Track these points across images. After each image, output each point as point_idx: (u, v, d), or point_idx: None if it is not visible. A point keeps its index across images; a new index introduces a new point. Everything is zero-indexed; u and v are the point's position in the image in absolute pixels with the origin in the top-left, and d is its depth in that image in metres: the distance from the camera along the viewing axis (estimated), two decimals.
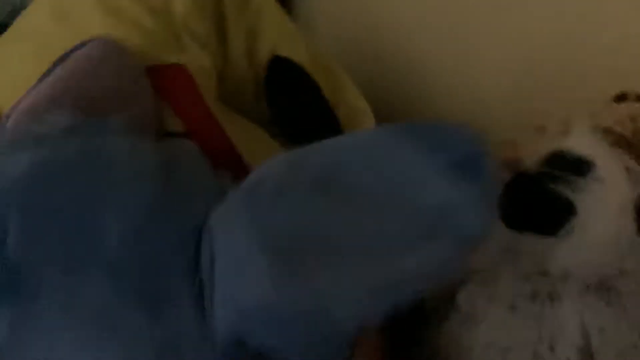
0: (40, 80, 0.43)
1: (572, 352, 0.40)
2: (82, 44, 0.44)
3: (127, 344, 0.34)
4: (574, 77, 0.64)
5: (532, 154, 0.41)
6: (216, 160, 0.46)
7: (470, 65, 0.73)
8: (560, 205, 0.40)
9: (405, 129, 0.38)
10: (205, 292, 0.35)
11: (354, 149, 0.38)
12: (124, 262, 0.34)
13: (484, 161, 0.36)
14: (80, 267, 0.34)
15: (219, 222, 0.36)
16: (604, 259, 0.40)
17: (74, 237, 0.34)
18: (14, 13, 0.57)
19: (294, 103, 0.63)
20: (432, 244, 0.35)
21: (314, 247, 0.34)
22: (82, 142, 0.38)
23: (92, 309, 0.34)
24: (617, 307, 0.40)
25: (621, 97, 0.54)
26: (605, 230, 0.40)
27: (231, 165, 0.51)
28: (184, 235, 0.36)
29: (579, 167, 0.40)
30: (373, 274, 0.34)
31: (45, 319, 0.34)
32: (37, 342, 0.34)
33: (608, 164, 0.40)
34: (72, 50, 0.44)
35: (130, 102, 0.45)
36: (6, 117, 0.43)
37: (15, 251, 0.34)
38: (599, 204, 0.40)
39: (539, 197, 0.40)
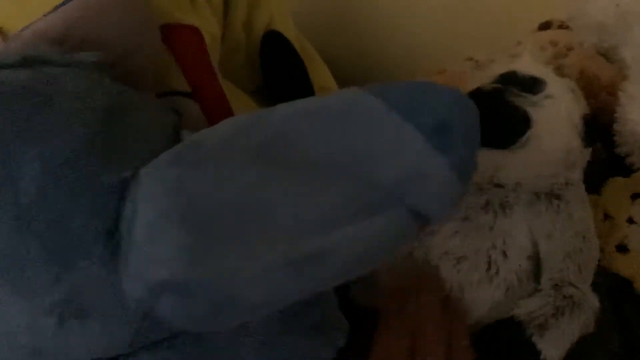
0: (54, 9, 0.43)
1: (522, 258, 0.42)
2: None
3: (27, 296, 0.33)
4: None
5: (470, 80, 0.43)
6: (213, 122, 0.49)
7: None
8: (517, 118, 0.41)
9: (379, 90, 0.35)
10: (121, 251, 0.33)
11: (316, 113, 0.35)
12: (35, 209, 0.33)
13: (464, 129, 0.33)
14: None
15: (146, 177, 0.34)
16: (554, 170, 0.42)
17: None
18: None
19: (284, 75, 0.66)
20: (376, 218, 0.32)
21: (234, 222, 0.32)
22: (36, 72, 0.37)
23: None
24: (564, 214, 0.42)
25: (545, 26, 0.57)
26: (556, 143, 0.42)
27: None
28: (107, 185, 0.34)
29: (532, 85, 0.42)
30: (292, 251, 0.32)
31: None
32: None
33: (557, 83, 0.42)
34: None
35: (132, 53, 0.45)
36: (11, 40, 0.44)
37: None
38: (552, 119, 0.42)
39: (496, 110, 0.41)
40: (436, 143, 0.33)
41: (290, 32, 0.68)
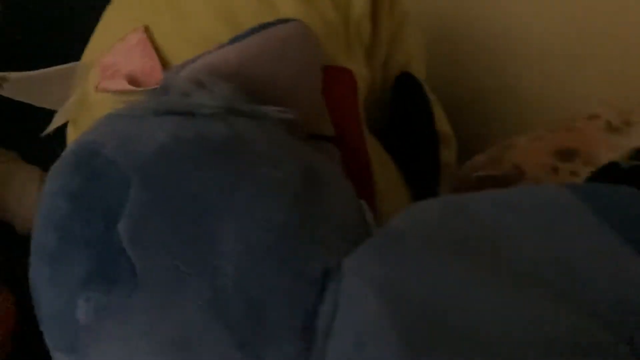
0: (224, 44, 0.41)
1: None
2: (279, 22, 0.42)
3: None
4: None
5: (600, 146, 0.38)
6: (351, 179, 0.47)
7: None
8: None
9: (590, 196, 0.31)
10: (315, 349, 0.30)
11: (522, 211, 0.31)
12: (231, 294, 0.29)
13: None
14: (187, 279, 0.29)
15: (350, 273, 0.30)
16: None
17: (190, 242, 0.30)
18: None
19: (412, 119, 0.62)
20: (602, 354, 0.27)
21: (444, 330, 0.28)
22: (230, 126, 0.34)
23: (182, 330, 0.29)
24: None
25: None
26: None
27: (364, 187, 0.51)
28: (309, 274, 0.30)
29: None
30: None
31: (134, 319, 0.29)
32: (116, 341, 0.30)
33: None
34: (267, 25, 0.42)
35: (299, 97, 0.43)
36: (174, 71, 0.41)
37: (127, 231, 0.29)
38: None
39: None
40: None
41: (423, 75, 0.65)
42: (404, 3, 0.61)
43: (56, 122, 0.49)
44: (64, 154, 0.34)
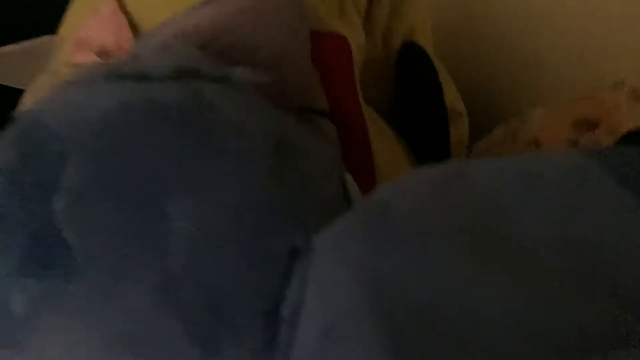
0: (197, 7, 0.37)
1: None
2: None
3: None
4: None
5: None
6: (348, 154, 0.42)
7: None
8: None
9: (616, 160, 0.27)
10: (280, 341, 0.26)
11: (534, 181, 0.27)
12: (183, 279, 0.26)
13: None
14: (132, 262, 0.26)
15: (322, 253, 0.27)
16: None
17: (136, 221, 0.26)
18: None
19: (419, 93, 0.58)
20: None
21: (439, 329, 0.23)
22: (187, 89, 0.30)
23: (130, 322, 0.26)
24: None
25: None
26: None
27: (361, 163, 0.47)
28: (273, 253, 0.27)
29: None
30: None
31: (73, 309, 0.26)
32: (55, 334, 0.26)
33: None
34: None
35: (280, 63, 0.39)
36: (143, 40, 0.38)
37: (63, 208, 0.26)
38: None
39: None
40: None
41: (429, 45, 0.60)
42: None
43: (27, 101, 0.46)
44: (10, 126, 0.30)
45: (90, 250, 0.25)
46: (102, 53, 0.43)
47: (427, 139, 0.59)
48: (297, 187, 0.28)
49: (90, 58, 0.43)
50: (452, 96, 0.62)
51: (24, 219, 0.26)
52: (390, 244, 0.25)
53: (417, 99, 0.59)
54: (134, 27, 0.43)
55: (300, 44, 0.41)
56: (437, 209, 0.26)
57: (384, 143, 0.51)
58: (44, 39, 0.48)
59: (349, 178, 0.32)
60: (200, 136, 0.27)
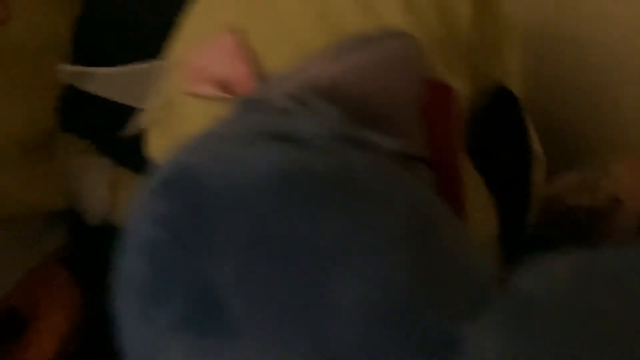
0: (324, 55, 0.38)
1: None
2: (385, 35, 0.39)
3: None
4: None
5: None
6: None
7: None
8: None
9: None
10: None
11: None
12: (342, 353, 0.25)
13: None
14: (289, 330, 0.26)
15: (474, 346, 0.26)
16: None
17: (299, 290, 0.26)
18: None
19: (506, 141, 0.58)
20: None
21: None
22: (341, 162, 0.29)
23: None
24: None
25: None
26: None
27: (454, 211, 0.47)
28: (429, 344, 0.25)
29: None
30: None
31: None
32: None
33: None
34: (373, 38, 0.39)
35: (396, 115, 0.39)
36: (271, 83, 0.38)
37: (234, 281, 0.26)
38: None
39: None
40: None
41: (521, 93, 0.61)
42: (506, 9, 0.56)
43: (141, 123, 0.47)
44: (157, 173, 0.31)
45: (254, 317, 0.26)
46: (222, 86, 0.43)
47: (510, 183, 0.59)
48: (443, 265, 0.28)
49: (209, 90, 0.44)
50: (533, 138, 0.63)
51: (187, 276, 0.27)
52: (536, 337, 0.26)
53: (503, 143, 0.60)
54: (254, 62, 0.43)
55: (415, 95, 0.41)
56: (583, 307, 0.26)
57: (474, 193, 0.51)
58: (154, 64, 0.49)
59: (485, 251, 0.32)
60: (355, 211, 0.27)
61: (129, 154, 0.51)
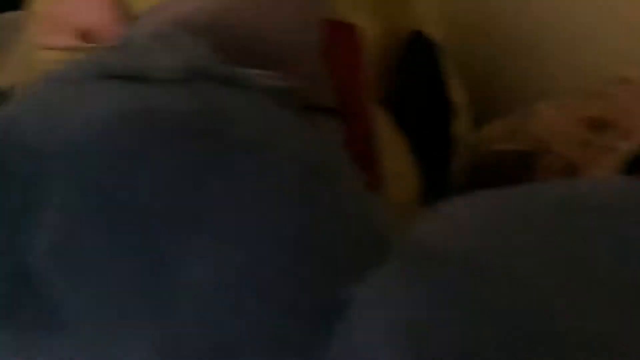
0: None
1: None
2: None
3: None
4: None
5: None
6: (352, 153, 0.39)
7: None
8: None
9: None
10: None
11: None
12: (192, 330, 0.21)
13: None
14: (130, 317, 0.21)
15: (367, 309, 0.22)
16: None
17: (138, 267, 0.21)
18: None
19: (423, 87, 0.54)
20: None
21: None
22: (196, 95, 0.25)
23: None
24: None
25: None
26: None
27: (367, 171, 0.44)
28: (306, 311, 0.22)
29: None
30: None
31: None
32: None
33: None
34: None
35: (293, 59, 0.36)
36: (137, 24, 0.34)
37: (49, 256, 0.21)
38: None
39: None
40: None
41: (438, 37, 0.57)
42: None
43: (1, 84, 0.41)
44: None
45: (79, 302, 0.20)
46: (83, 35, 0.38)
47: (429, 134, 0.56)
48: (332, 222, 0.23)
49: (68, 41, 0.38)
50: (454, 87, 0.59)
51: None
52: (447, 302, 0.21)
53: (420, 92, 0.56)
54: (122, 5, 0.38)
55: (312, 35, 0.38)
56: (492, 259, 0.22)
57: (391, 147, 0.48)
58: (11, 15, 0.43)
59: (381, 204, 0.28)
60: (211, 160, 0.22)
61: None
